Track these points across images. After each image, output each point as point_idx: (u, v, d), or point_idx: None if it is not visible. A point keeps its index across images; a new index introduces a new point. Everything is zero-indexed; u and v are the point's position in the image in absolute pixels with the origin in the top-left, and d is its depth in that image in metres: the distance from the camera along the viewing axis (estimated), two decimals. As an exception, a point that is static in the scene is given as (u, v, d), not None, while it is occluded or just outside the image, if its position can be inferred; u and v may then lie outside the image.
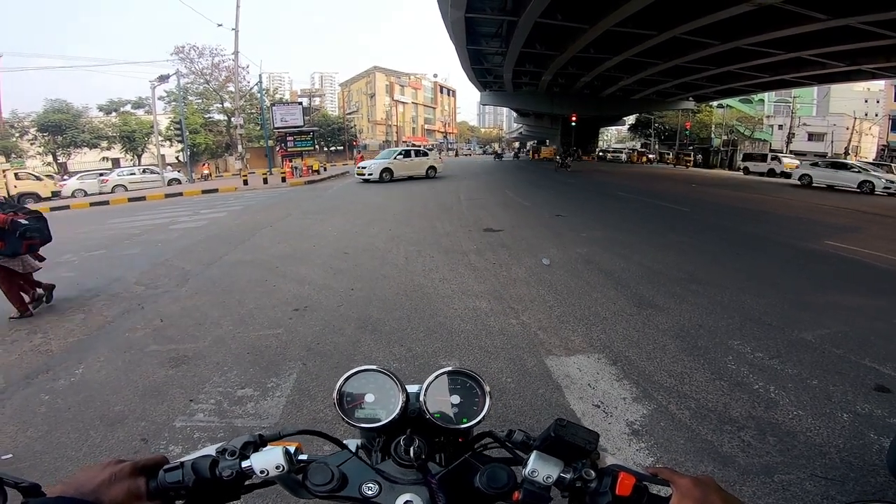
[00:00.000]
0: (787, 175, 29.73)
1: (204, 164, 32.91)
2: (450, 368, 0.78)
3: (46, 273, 6.48)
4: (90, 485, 0.55)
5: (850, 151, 39.93)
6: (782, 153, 34.62)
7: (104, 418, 2.81)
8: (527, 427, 0.77)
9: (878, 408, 2.80)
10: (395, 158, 20.90)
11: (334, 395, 0.75)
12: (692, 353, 3.53)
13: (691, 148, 47.03)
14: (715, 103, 46.20)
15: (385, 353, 3.58)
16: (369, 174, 19.98)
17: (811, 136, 43.76)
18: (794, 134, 39.95)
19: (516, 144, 66.67)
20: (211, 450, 0.66)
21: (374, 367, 0.78)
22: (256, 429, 2.64)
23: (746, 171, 33.19)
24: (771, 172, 30.86)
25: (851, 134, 40.92)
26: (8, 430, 2.74)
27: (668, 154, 47.65)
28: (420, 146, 24.64)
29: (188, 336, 4.05)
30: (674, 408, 2.80)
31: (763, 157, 33.27)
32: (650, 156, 48.31)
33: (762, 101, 47.71)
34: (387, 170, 20.22)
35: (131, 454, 2.44)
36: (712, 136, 48.51)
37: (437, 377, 0.77)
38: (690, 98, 42.86)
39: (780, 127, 44.02)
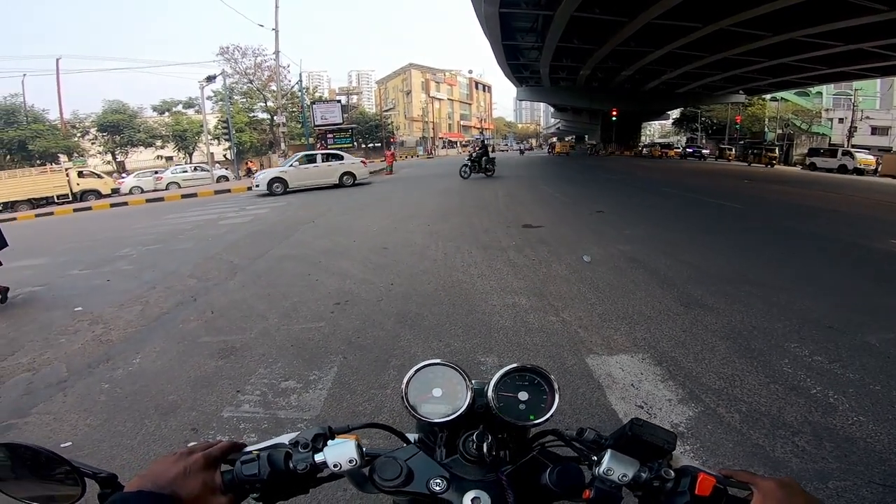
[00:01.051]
0: (861, 172, 27.09)
1: (249, 161, 34.20)
2: (518, 364, 0.77)
3: (107, 265, 6.94)
4: (165, 478, 0.55)
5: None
6: (848, 148, 31.89)
7: (158, 408, 2.95)
8: (568, 425, 0.75)
9: (948, 416, 2.60)
10: (290, 165, 17.51)
11: (402, 387, 0.75)
12: (744, 356, 3.36)
13: (753, 142, 43.15)
14: (768, 96, 43.76)
15: (424, 348, 3.61)
16: (256, 185, 16.80)
17: (874, 130, 40.77)
18: (856, 128, 37.35)
19: (553, 140, 65.54)
20: (283, 440, 0.67)
21: (440, 361, 0.77)
22: (299, 422, 2.72)
23: (813, 166, 30.58)
24: (842, 169, 28.22)
25: (917, 127, 37.94)
26: (69, 418, 2.89)
27: (730, 149, 42.29)
28: (337, 150, 20.66)
29: (236, 328, 4.21)
30: (723, 411, 2.68)
31: (832, 153, 30.52)
32: (706, 150, 43.95)
33: (820, 93, 44.79)
34: (278, 180, 16.63)
35: (182, 444, 2.52)
36: (766, 129, 45.94)
37: (506, 373, 0.76)
38: (741, 91, 40.95)
39: (841, 120, 41.24)
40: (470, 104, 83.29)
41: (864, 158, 28.31)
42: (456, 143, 71.82)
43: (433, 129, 65.28)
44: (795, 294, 4.69)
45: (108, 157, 35.33)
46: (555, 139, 65.63)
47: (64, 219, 15.82)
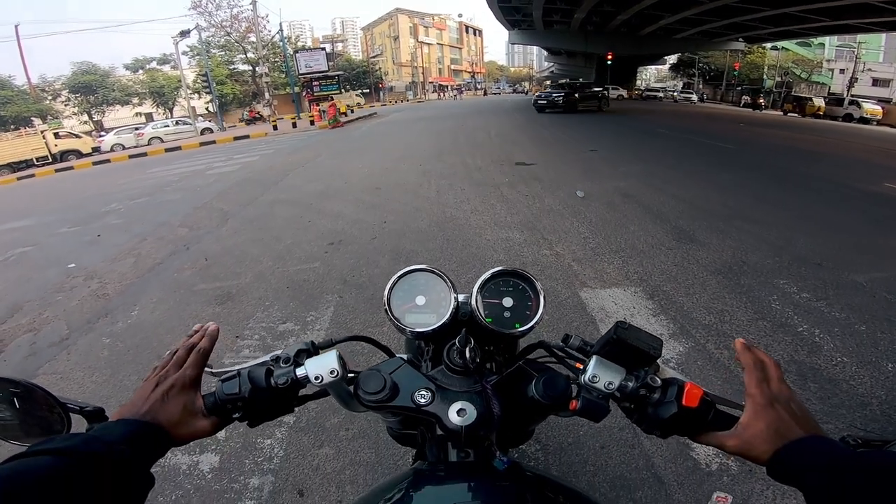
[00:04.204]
0: (867, 121, 26.65)
1: (250, 110, 34.11)
2: (501, 268, 0.74)
3: (96, 221, 6.81)
4: (145, 405, 0.54)
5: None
6: (851, 97, 31.05)
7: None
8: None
9: (928, 358, 2.62)
10: None
11: (384, 296, 0.72)
12: (734, 291, 3.39)
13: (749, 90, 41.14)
14: (768, 45, 42.34)
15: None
16: None
17: (876, 82, 39.73)
18: (857, 79, 36.32)
19: (547, 83, 63.93)
20: (266, 358, 0.65)
21: (424, 266, 0.74)
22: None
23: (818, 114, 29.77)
24: (848, 117, 27.76)
25: (919, 81, 37.02)
26: (75, 375, 2.83)
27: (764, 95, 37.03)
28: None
29: (231, 273, 4.19)
30: (712, 347, 2.71)
31: (839, 101, 29.64)
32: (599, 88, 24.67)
33: (822, 44, 43.21)
34: None
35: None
36: (764, 77, 44.75)
37: (489, 278, 0.73)
38: (740, 39, 39.52)
39: (842, 71, 40.03)
40: (460, 48, 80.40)
41: (871, 108, 27.51)
42: (447, 87, 69.98)
43: (423, 73, 63.28)
44: (787, 231, 4.71)
45: (84, 117, 34.08)
46: (548, 83, 63.73)
47: (46, 180, 15.34)
